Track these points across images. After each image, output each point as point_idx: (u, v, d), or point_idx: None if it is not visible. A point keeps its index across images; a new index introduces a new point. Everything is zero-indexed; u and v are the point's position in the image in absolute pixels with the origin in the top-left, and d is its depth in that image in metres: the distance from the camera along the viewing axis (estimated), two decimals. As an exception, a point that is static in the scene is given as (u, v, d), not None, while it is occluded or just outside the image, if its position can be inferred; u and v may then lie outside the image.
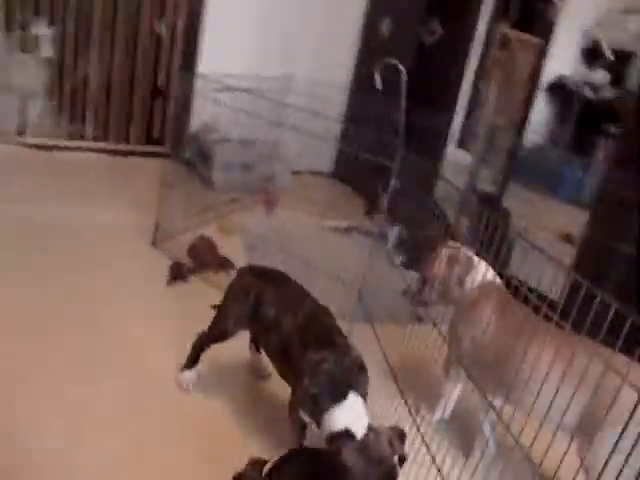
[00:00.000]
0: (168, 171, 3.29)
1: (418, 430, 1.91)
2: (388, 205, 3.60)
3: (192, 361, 2.20)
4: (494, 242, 3.60)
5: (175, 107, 4.58)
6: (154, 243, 3.22)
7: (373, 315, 2.47)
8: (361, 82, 4.90)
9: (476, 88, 4.80)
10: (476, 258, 2.02)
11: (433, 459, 1.80)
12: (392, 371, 2.01)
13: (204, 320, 2.19)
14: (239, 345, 2.26)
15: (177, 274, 2.90)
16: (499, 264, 3.64)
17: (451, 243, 2.17)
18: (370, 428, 1.67)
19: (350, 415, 1.68)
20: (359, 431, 1.64)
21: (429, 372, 2.31)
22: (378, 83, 3.96)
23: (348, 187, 4.87)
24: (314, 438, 1.71)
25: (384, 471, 1.60)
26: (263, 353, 2.21)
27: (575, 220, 3.62)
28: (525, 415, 1.63)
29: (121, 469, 1.81)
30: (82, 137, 4.66)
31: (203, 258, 3.05)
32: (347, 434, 1.63)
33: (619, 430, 1.47)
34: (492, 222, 3.24)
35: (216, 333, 2.16)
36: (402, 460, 1.68)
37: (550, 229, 3.76)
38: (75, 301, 2.60)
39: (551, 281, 1.63)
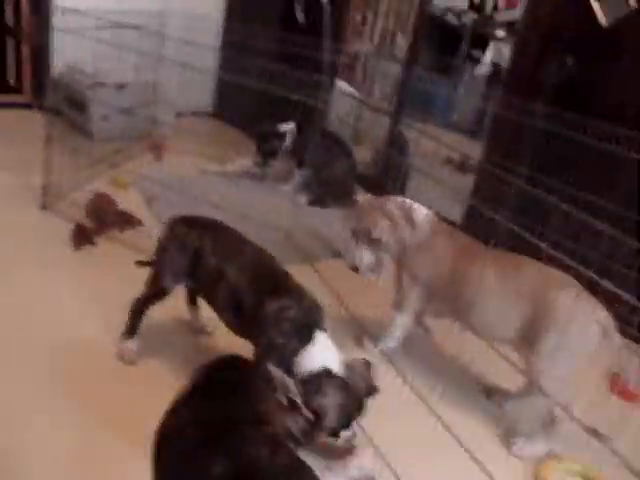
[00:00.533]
0: (48, 125, 2.94)
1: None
2: (292, 146, 3.58)
3: (132, 328, 2.03)
4: (396, 172, 3.73)
5: (31, 47, 4.09)
6: (45, 206, 2.90)
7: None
8: (235, 13, 4.70)
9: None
10: (407, 200, 2.08)
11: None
12: (342, 304, 2.05)
13: (122, 282, 2.07)
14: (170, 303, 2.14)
15: (83, 237, 2.66)
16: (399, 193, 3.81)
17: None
18: (344, 363, 1.73)
19: (324, 353, 1.70)
20: (336, 367, 1.69)
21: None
22: (300, 17, 3.83)
23: (231, 126, 4.70)
24: (284, 388, 1.71)
25: (360, 404, 1.69)
26: (201, 308, 2.16)
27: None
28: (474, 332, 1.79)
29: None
30: None
31: (104, 217, 2.81)
32: (326, 372, 1.66)
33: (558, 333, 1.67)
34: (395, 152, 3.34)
35: (154, 292, 2.02)
36: (373, 389, 1.76)
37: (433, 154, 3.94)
38: None
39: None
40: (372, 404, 1.82)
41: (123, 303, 2.04)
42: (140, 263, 2.14)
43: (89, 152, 3.41)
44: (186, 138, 4.06)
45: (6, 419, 1.71)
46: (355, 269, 2.06)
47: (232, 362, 1.54)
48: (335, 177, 3.47)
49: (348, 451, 1.75)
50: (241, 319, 1.86)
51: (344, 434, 1.70)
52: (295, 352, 1.70)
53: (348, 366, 1.72)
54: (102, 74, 3.86)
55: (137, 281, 2.04)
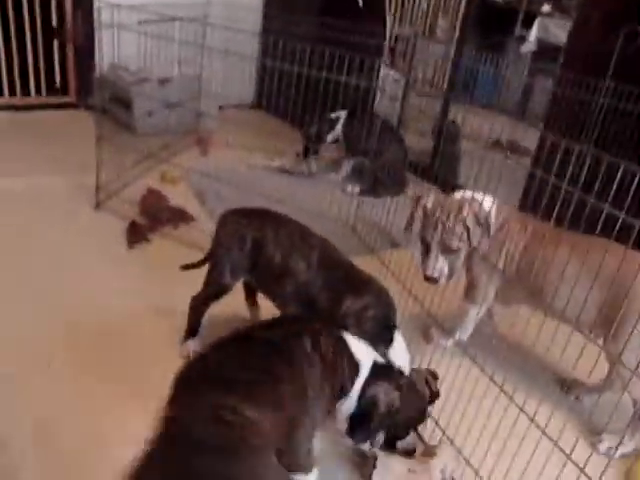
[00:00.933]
0: (97, 124, 2.92)
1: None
2: (344, 135, 3.49)
3: (193, 328, 1.99)
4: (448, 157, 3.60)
5: (75, 47, 4.10)
6: (98, 205, 2.90)
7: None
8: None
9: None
10: (474, 196, 1.95)
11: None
12: (411, 295, 1.95)
13: (179, 279, 2.02)
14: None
15: (137, 235, 2.64)
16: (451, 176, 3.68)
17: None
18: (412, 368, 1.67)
19: (400, 355, 1.66)
20: (407, 369, 1.65)
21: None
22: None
23: (274, 116, 4.63)
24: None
25: (422, 407, 1.64)
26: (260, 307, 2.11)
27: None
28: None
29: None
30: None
31: (158, 214, 2.79)
32: (400, 373, 1.60)
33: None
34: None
35: (214, 290, 1.95)
36: (435, 397, 1.72)
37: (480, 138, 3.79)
38: (36, 278, 2.31)
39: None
40: (448, 400, 1.76)
41: (180, 301, 2.02)
42: (186, 267, 2.07)
43: (135, 148, 3.40)
44: (231, 130, 4.02)
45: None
46: (433, 280, 1.93)
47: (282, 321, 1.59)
48: (387, 164, 3.36)
49: (429, 453, 1.68)
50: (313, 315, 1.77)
51: (403, 442, 1.65)
52: (380, 353, 1.62)
53: (415, 371, 1.69)
54: (146, 70, 3.83)
55: (194, 277, 2.00)
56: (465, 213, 1.87)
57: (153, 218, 2.76)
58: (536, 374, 2.04)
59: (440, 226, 1.89)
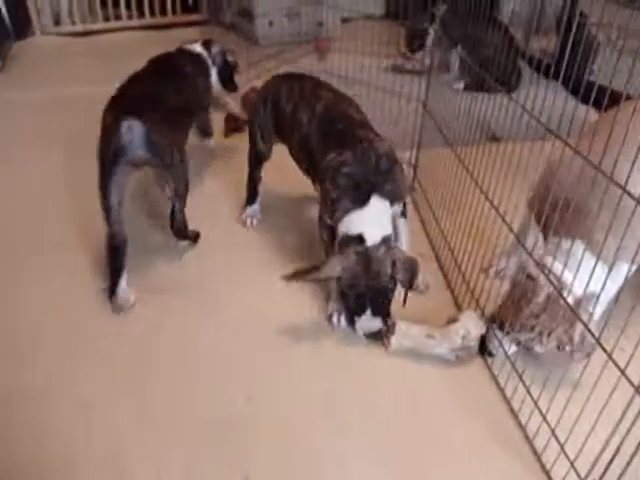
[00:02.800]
0: (206, 32, 3.04)
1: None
2: (442, 28, 3.25)
3: (251, 195, 2.12)
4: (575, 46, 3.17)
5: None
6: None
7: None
8: None
9: None
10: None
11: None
12: (477, 183, 1.76)
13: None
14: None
15: (233, 125, 2.75)
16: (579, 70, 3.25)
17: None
18: (386, 240, 1.53)
19: (367, 221, 1.53)
20: (371, 239, 1.51)
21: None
22: None
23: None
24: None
25: (375, 286, 1.51)
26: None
27: None
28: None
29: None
30: (117, 18, 4.45)
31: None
32: (359, 239, 1.51)
33: None
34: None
35: (253, 157, 2.04)
36: (406, 289, 1.57)
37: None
38: None
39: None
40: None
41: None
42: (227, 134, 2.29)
43: (254, 56, 3.49)
44: (352, 38, 3.94)
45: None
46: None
47: None
48: (489, 56, 3.05)
49: (453, 319, 1.59)
50: (313, 170, 1.75)
51: (364, 322, 1.56)
52: (345, 212, 1.56)
53: (385, 247, 1.52)
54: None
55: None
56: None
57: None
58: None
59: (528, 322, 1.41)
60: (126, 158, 1.64)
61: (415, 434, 1.39)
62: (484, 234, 1.71)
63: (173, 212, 1.85)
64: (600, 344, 1.16)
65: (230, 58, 2.42)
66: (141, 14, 4.47)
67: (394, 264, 1.50)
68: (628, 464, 1.06)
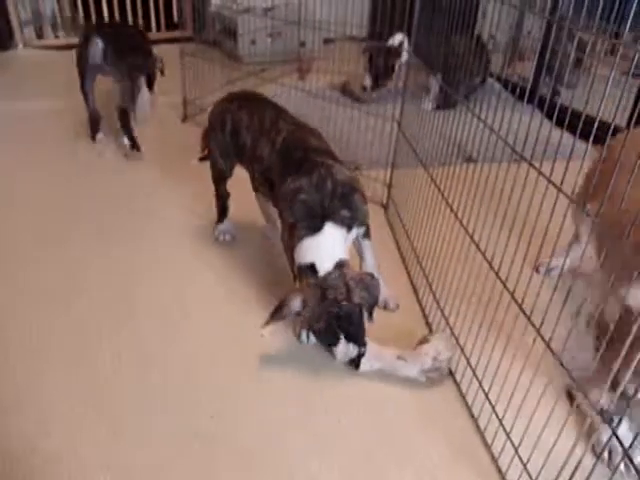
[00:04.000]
0: (189, 46, 3.10)
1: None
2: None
3: (220, 213, 2.14)
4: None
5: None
6: (185, 118, 3.09)
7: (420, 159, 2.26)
8: None
9: None
10: None
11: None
12: (449, 204, 1.78)
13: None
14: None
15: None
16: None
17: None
18: (340, 265, 1.51)
19: (318, 249, 1.53)
20: (323, 267, 1.51)
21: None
22: None
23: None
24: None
25: (339, 313, 1.47)
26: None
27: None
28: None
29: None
30: (102, 32, 4.47)
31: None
32: (312, 269, 1.51)
33: None
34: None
35: (215, 175, 2.05)
36: (370, 311, 1.54)
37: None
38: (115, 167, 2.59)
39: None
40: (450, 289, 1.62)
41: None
42: (201, 159, 2.17)
43: (236, 74, 3.53)
44: (333, 59, 4.00)
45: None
46: None
47: None
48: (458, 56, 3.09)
49: (424, 340, 1.59)
50: (274, 196, 1.76)
51: (341, 351, 1.51)
52: (299, 239, 1.55)
53: (338, 273, 1.50)
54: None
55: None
56: None
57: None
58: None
59: None
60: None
61: (384, 455, 1.38)
62: (454, 253, 1.72)
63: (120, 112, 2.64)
64: None
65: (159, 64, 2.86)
66: (125, 29, 4.49)
67: (348, 288, 1.48)
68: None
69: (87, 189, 2.46)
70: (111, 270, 1.96)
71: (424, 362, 1.53)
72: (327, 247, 1.53)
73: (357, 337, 1.51)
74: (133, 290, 1.87)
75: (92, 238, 2.12)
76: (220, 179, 2.05)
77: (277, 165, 1.69)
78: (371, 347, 1.55)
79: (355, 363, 1.55)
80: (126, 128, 2.68)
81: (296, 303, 1.48)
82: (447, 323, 1.70)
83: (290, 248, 1.61)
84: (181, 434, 1.40)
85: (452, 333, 1.65)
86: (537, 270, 1.91)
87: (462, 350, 1.60)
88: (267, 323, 1.48)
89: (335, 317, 1.47)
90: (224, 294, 1.88)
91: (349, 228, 1.59)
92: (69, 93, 3.44)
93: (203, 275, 1.96)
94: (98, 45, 2.62)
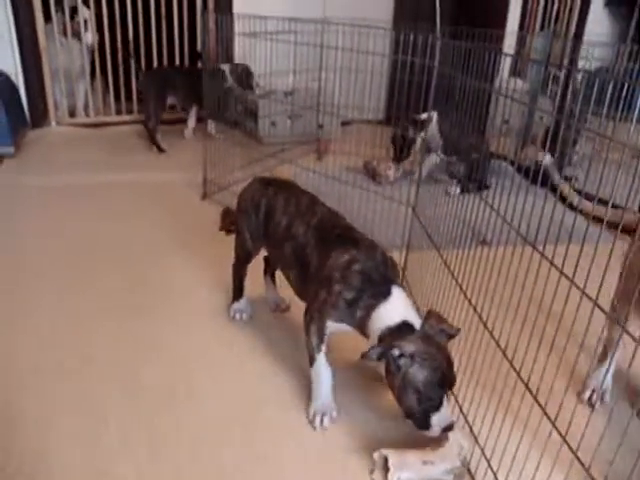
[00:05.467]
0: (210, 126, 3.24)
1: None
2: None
3: (236, 292, 2.15)
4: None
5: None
6: (204, 196, 3.18)
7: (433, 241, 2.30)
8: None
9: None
10: None
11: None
12: (462, 289, 1.80)
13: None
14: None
15: (228, 221, 2.82)
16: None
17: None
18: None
19: (403, 307, 1.53)
20: (416, 321, 1.52)
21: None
22: None
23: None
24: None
25: (446, 356, 1.48)
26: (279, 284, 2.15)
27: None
28: None
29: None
30: (129, 112, 4.70)
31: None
32: (407, 326, 1.50)
33: None
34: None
35: (240, 255, 2.08)
36: (452, 338, 1.55)
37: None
38: (135, 246, 2.68)
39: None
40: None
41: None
42: (228, 231, 2.24)
43: (256, 153, 3.66)
44: (353, 142, 4.14)
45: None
46: None
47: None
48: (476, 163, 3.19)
49: (440, 438, 1.49)
50: (306, 278, 1.72)
51: (442, 417, 1.45)
52: (372, 307, 1.54)
53: (427, 322, 1.52)
54: (273, 82, 4.11)
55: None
56: None
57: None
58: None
59: None
60: None
61: None
62: (466, 338, 1.71)
63: None
64: None
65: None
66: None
67: (442, 328, 1.51)
68: None
69: (104, 261, 2.52)
70: (120, 345, 1.96)
71: (453, 461, 1.45)
72: (408, 305, 1.55)
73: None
74: (140, 368, 1.88)
75: (104, 311, 2.14)
76: (244, 260, 2.08)
77: (314, 242, 1.71)
78: (392, 456, 1.47)
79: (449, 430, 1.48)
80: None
81: (410, 348, 1.44)
82: (461, 411, 1.66)
83: (319, 321, 1.63)
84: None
85: (466, 421, 1.61)
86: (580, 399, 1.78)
87: (476, 439, 1.56)
88: (363, 356, 1.45)
89: (447, 364, 1.46)
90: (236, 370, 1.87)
91: None
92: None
93: (217, 352, 1.96)
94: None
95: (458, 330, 1.55)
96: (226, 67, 4.14)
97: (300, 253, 1.75)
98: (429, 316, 1.55)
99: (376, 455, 1.49)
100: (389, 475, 1.45)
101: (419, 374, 1.44)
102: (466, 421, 1.62)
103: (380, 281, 1.57)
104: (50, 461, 1.49)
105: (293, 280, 1.83)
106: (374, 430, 1.65)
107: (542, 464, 1.27)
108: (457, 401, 1.70)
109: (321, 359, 1.68)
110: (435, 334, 1.50)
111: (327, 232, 1.72)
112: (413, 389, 1.46)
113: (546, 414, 1.25)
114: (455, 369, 1.50)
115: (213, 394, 1.78)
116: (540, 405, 1.27)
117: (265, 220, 1.91)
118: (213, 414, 1.70)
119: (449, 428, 1.47)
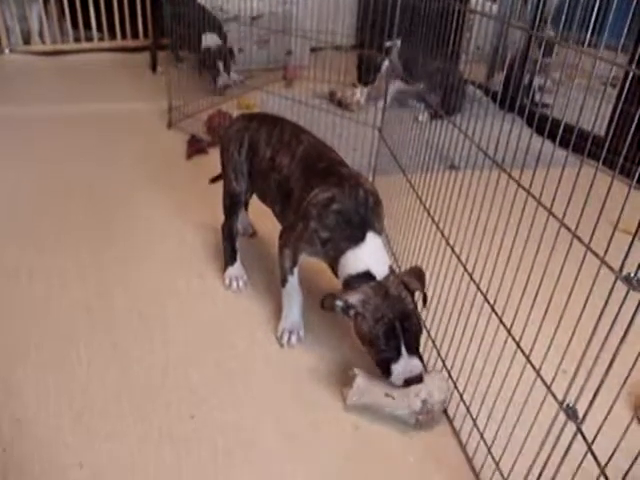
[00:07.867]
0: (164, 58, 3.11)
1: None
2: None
3: (228, 255, 1.99)
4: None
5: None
6: (170, 124, 3.08)
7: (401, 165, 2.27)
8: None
9: None
10: None
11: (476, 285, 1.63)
12: (429, 213, 1.79)
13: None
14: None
15: (195, 148, 2.77)
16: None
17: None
18: (392, 270, 1.51)
19: (370, 257, 1.49)
20: (380, 273, 1.47)
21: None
22: None
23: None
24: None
25: (402, 309, 1.42)
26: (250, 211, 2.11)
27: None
28: None
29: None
30: (88, 39, 4.47)
31: (220, 131, 2.90)
32: (368, 276, 1.47)
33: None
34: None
35: (229, 200, 1.94)
36: (424, 299, 1.53)
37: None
38: (101, 176, 2.61)
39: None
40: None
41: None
42: (213, 180, 2.15)
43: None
44: (321, 68, 4.01)
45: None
46: None
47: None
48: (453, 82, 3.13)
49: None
50: (288, 209, 1.67)
51: (403, 367, 1.41)
52: (342, 251, 1.51)
53: (393, 274, 1.49)
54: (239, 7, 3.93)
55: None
56: None
57: (215, 134, 2.86)
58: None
59: None
60: None
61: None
62: (434, 263, 1.70)
63: None
64: None
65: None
66: (113, 36, 4.49)
67: (406, 287, 1.46)
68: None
69: (69, 196, 2.45)
70: (91, 274, 1.95)
71: (413, 403, 1.43)
72: (377, 254, 1.50)
73: (418, 342, 1.45)
74: (112, 290, 1.87)
75: (72, 245, 2.11)
76: (233, 205, 1.94)
77: (298, 174, 1.66)
78: (360, 377, 1.48)
79: (419, 381, 1.43)
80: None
81: (354, 299, 1.42)
82: (439, 355, 1.63)
83: (293, 249, 1.62)
84: (157, 435, 1.39)
85: (444, 365, 1.57)
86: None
87: (455, 385, 1.52)
88: (321, 306, 1.44)
89: (400, 315, 1.41)
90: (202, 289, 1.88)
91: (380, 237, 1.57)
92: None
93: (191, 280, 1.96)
94: None
95: (421, 288, 1.49)
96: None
97: (285, 186, 1.69)
98: (409, 272, 1.51)
99: (350, 372, 1.50)
100: (350, 393, 1.47)
101: (364, 325, 1.43)
102: (444, 365, 1.59)
103: (357, 224, 1.51)
104: (22, 386, 1.50)
105: (279, 214, 1.78)
106: (344, 356, 1.67)
107: (525, 410, 1.22)
108: (434, 343, 1.68)
109: (293, 281, 1.68)
110: (393, 286, 1.44)
111: (312, 164, 1.66)
112: (362, 339, 1.47)
113: (515, 340, 1.27)
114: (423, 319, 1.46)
115: (183, 319, 1.78)
116: (505, 327, 1.29)
117: (249, 155, 1.83)
118: (183, 338, 1.71)
119: (414, 380, 1.43)
